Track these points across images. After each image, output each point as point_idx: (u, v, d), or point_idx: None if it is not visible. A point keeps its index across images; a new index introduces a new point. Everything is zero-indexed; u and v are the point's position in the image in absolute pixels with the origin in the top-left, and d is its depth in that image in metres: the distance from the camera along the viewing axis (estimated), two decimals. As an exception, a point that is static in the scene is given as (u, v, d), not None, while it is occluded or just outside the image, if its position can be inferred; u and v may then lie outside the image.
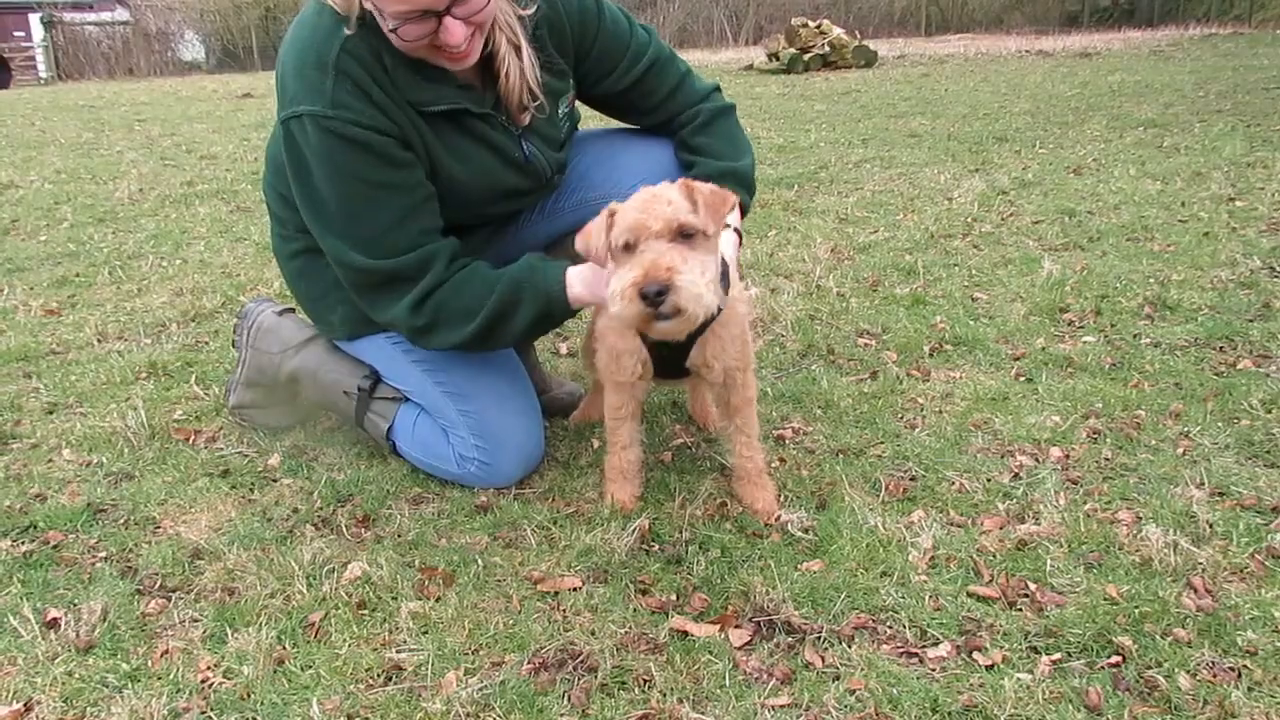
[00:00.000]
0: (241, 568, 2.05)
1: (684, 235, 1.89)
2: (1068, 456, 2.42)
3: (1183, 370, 2.89)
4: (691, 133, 2.46)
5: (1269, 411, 2.59)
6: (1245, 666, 1.65)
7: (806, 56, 15.67)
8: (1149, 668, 1.66)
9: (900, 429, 2.61)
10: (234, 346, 2.74)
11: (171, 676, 1.73)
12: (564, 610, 1.89)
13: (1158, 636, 1.72)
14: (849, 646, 1.74)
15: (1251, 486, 2.23)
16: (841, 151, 7.26)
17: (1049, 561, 1.96)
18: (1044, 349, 3.12)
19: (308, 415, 2.74)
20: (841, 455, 2.47)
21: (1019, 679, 1.64)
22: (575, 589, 1.95)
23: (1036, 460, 2.41)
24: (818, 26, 16.51)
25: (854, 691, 1.63)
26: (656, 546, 2.10)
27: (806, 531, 2.12)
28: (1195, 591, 1.85)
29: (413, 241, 2.16)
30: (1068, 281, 3.75)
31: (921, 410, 2.72)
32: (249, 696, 1.67)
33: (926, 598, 1.87)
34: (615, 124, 2.66)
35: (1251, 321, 3.25)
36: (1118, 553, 1.99)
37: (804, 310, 3.59)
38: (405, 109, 2.12)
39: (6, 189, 6.98)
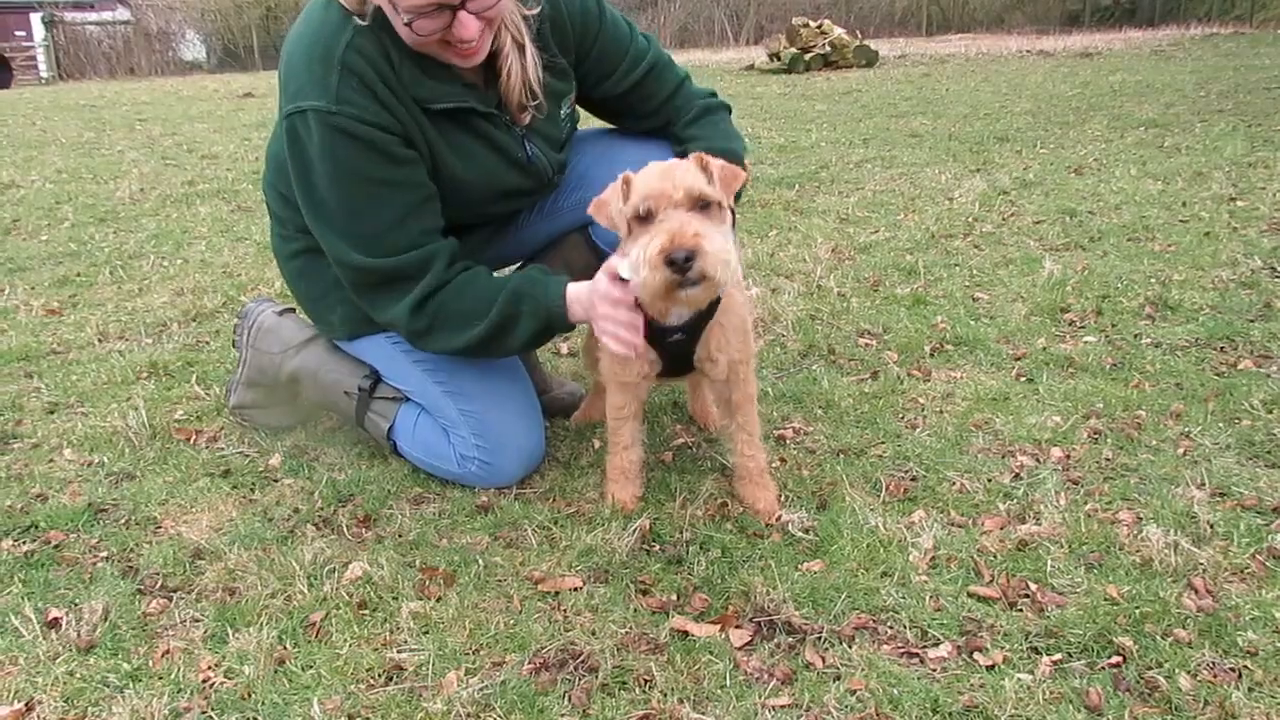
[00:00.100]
0: (242, 568, 2.05)
1: (701, 206, 1.89)
2: (1068, 457, 2.42)
3: (1184, 370, 2.89)
4: (684, 126, 2.47)
5: (1270, 412, 2.59)
6: (1246, 667, 1.65)
7: (807, 56, 15.67)
8: (1149, 668, 1.66)
9: (901, 429, 2.61)
10: (234, 346, 2.75)
11: (172, 676, 1.73)
12: (565, 610, 1.89)
13: (1158, 637, 1.72)
14: (850, 647, 1.74)
15: (1252, 487, 2.23)
16: (842, 151, 7.26)
17: (1050, 562, 1.97)
18: (1045, 349, 3.12)
19: (308, 415, 2.74)
20: (842, 455, 2.47)
21: (1020, 679, 1.64)
22: (576, 589, 1.95)
23: (1037, 460, 2.41)
24: (819, 26, 16.50)
25: (854, 692, 1.63)
26: (657, 546, 2.10)
27: (807, 532, 2.12)
28: (1196, 592, 1.85)
29: (413, 241, 2.16)
30: (1069, 281, 3.75)
31: (922, 410, 2.72)
32: (250, 696, 1.67)
33: (927, 598, 1.87)
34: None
35: (1252, 322, 3.25)
36: (1118, 553, 1.99)
37: (805, 310, 3.59)
38: (410, 106, 2.12)
39: (8, 189, 6.98)
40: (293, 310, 2.72)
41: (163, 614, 1.91)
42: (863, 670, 1.68)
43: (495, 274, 2.27)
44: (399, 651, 1.78)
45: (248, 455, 2.61)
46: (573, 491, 2.37)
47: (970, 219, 4.91)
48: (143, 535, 2.21)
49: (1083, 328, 3.31)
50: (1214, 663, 1.66)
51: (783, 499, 2.26)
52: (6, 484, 2.48)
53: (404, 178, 2.14)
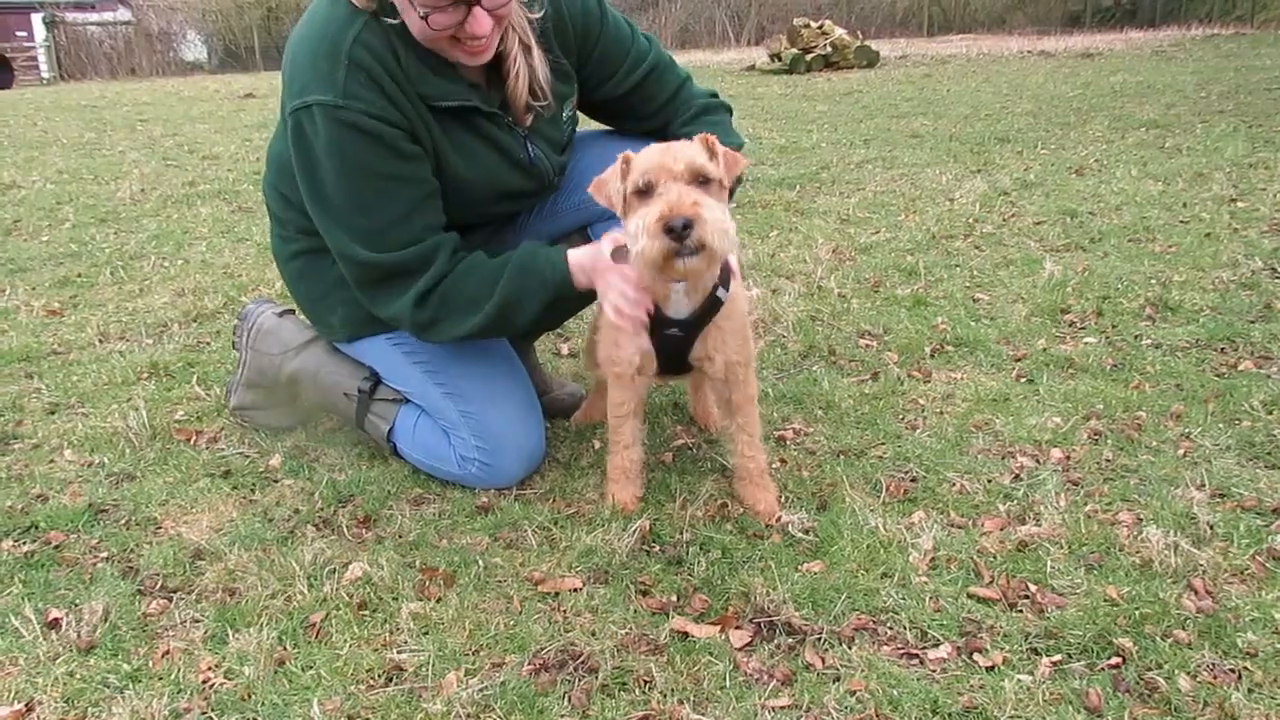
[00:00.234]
0: (242, 568, 2.05)
1: (701, 181, 1.90)
2: (1068, 458, 2.42)
3: (1184, 371, 2.89)
4: (681, 124, 2.47)
5: (1270, 413, 2.59)
6: (1245, 668, 1.65)
7: (808, 57, 15.66)
8: (1149, 669, 1.66)
9: (901, 430, 2.61)
10: (235, 348, 2.75)
11: (172, 677, 1.73)
12: (565, 611, 1.89)
13: (1158, 638, 1.72)
14: (849, 648, 1.74)
15: (1252, 488, 2.23)
16: (843, 152, 7.26)
17: (1049, 563, 1.97)
18: (1045, 350, 3.12)
19: (308, 416, 2.74)
20: (842, 456, 2.47)
21: (1019, 680, 1.64)
22: (576, 590, 1.95)
23: (1037, 461, 2.41)
24: (820, 27, 16.50)
25: (854, 693, 1.63)
26: (657, 547, 2.10)
27: (807, 533, 2.12)
28: (1196, 593, 1.85)
29: (417, 235, 2.16)
30: (1069, 282, 3.75)
31: (922, 411, 2.72)
32: (250, 697, 1.67)
33: (927, 599, 1.87)
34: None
35: (1253, 323, 3.25)
36: (1118, 554, 1.99)
37: (805, 311, 3.60)
38: (416, 103, 2.13)
39: (9, 189, 6.99)
40: (293, 312, 2.72)
41: (163, 614, 1.91)
42: (862, 671, 1.68)
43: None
44: (399, 652, 1.78)
45: (248, 456, 2.61)
46: (573, 492, 2.37)
47: (971, 220, 4.91)
48: (143, 536, 2.21)
49: (1083, 329, 3.31)
50: (1214, 664, 1.66)
51: (783, 500, 2.26)
52: (7, 484, 2.48)
53: (410, 173, 2.15)
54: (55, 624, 1.88)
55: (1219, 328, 3.20)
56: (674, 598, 1.92)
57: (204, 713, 1.64)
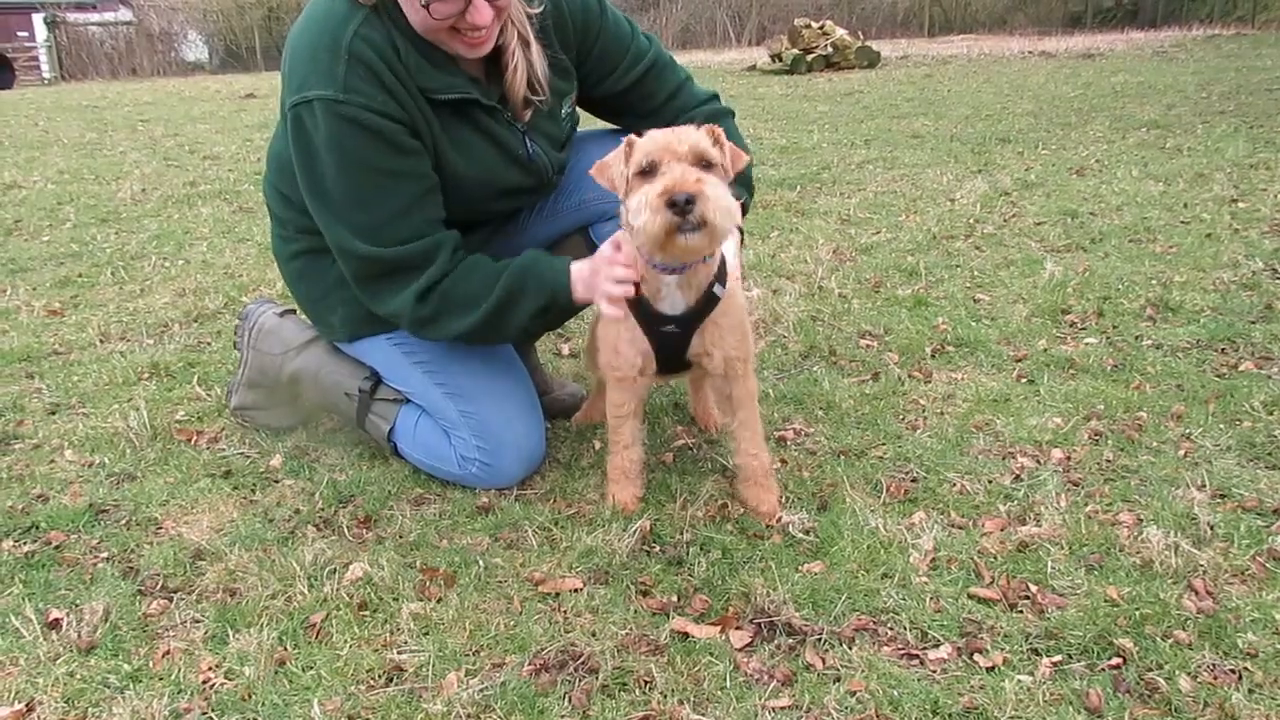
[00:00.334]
0: (243, 568, 2.05)
1: (704, 165, 1.90)
2: (1069, 458, 2.42)
3: (1184, 372, 2.89)
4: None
5: (1271, 413, 2.59)
6: (1246, 669, 1.65)
7: (809, 57, 15.66)
8: (1150, 670, 1.66)
9: (902, 430, 2.61)
10: (235, 348, 2.75)
11: (173, 677, 1.73)
12: (565, 611, 1.89)
13: (1158, 638, 1.72)
14: (850, 648, 1.74)
15: (1253, 488, 2.23)
16: (844, 152, 7.26)
17: (1050, 563, 1.96)
18: (1046, 350, 3.12)
19: (309, 416, 2.74)
20: (843, 457, 2.47)
21: (1019, 681, 1.64)
22: (576, 590, 1.95)
23: (1038, 462, 2.41)
24: (820, 27, 16.49)
25: (854, 693, 1.63)
26: (658, 548, 2.10)
27: (808, 533, 2.12)
28: (1196, 593, 1.85)
29: (417, 231, 2.16)
30: (1070, 283, 3.75)
31: (923, 412, 2.72)
32: (250, 697, 1.67)
33: (927, 599, 1.87)
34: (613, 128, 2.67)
35: (1254, 323, 3.25)
36: (1119, 555, 1.99)
37: (806, 311, 3.59)
38: (416, 96, 2.13)
39: (10, 189, 6.99)
40: (293, 312, 2.72)
41: (163, 615, 1.91)
42: (863, 672, 1.68)
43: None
44: (399, 652, 1.78)
45: (249, 456, 2.61)
46: (573, 492, 2.37)
47: (971, 220, 4.91)
48: (143, 536, 2.22)
49: (1084, 329, 3.31)
50: (1214, 664, 1.66)
51: (783, 500, 2.26)
52: (8, 485, 2.48)
53: (410, 168, 2.15)
54: (56, 624, 1.88)
55: (1220, 328, 3.20)
56: (674, 598, 1.92)
57: (204, 713, 1.64)
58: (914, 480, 2.34)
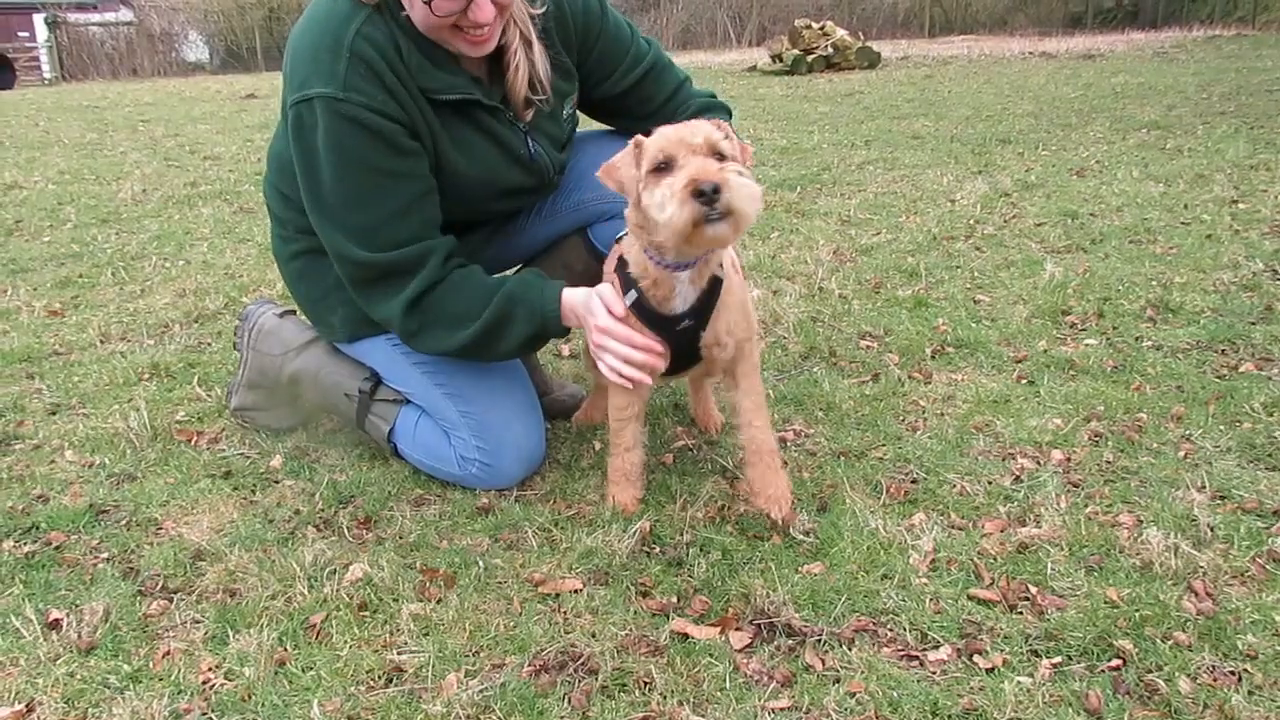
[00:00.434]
0: (243, 569, 2.05)
1: (719, 157, 1.89)
2: (1069, 459, 2.42)
3: (1185, 373, 2.89)
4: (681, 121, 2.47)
5: (1271, 415, 2.59)
6: (1246, 670, 1.65)
7: (810, 58, 15.66)
8: (1149, 671, 1.65)
9: (902, 431, 2.61)
10: (235, 348, 2.75)
11: (173, 678, 1.73)
12: (565, 612, 1.89)
13: (1158, 640, 1.72)
14: (849, 649, 1.74)
15: (1253, 490, 2.23)
16: (844, 153, 7.26)
17: (1050, 565, 1.96)
18: (1046, 351, 3.12)
19: (309, 417, 2.75)
20: (843, 458, 2.48)
21: (1019, 682, 1.64)
22: (576, 591, 1.95)
23: (1038, 463, 2.41)
24: (821, 28, 16.50)
25: (854, 694, 1.63)
26: (657, 549, 2.10)
27: (807, 534, 2.12)
28: (1196, 595, 1.85)
29: (412, 234, 2.16)
30: (1070, 284, 3.75)
31: (923, 413, 2.72)
32: (250, 698, 1.67)
33: (927, 600, 1.87)
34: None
35: (1254, 324, 3.25)
36: (1118, 556, 1.99)
37: (806, 312, 3.60)
38: (416, 96, 2.13)
39: (11, 189, 6.99)
40: (293, 312, 2.72)
41: (163, 615, 1.91)
42: (862, 673, 1.68)
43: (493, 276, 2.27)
44: (399, 653, 1.78)
45: (249, 457, 2.62)
46: (573, 493, 2.37)
47: (972, 221, 4.91)
48: (144, 536, 2.22)
49: (1084, 330, 3.31)
50: (1214, 666, 1.66)
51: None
52: (8, 485, 2.48)
53: (408, 169, 2.15)
54: (56, 624, 1.88)
55: (1220, 329, 3.20)
56: (674, 599, 1.92)
57: (204, 713, 1.65)
58: (914, 481, 2.35)
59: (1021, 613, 1.83)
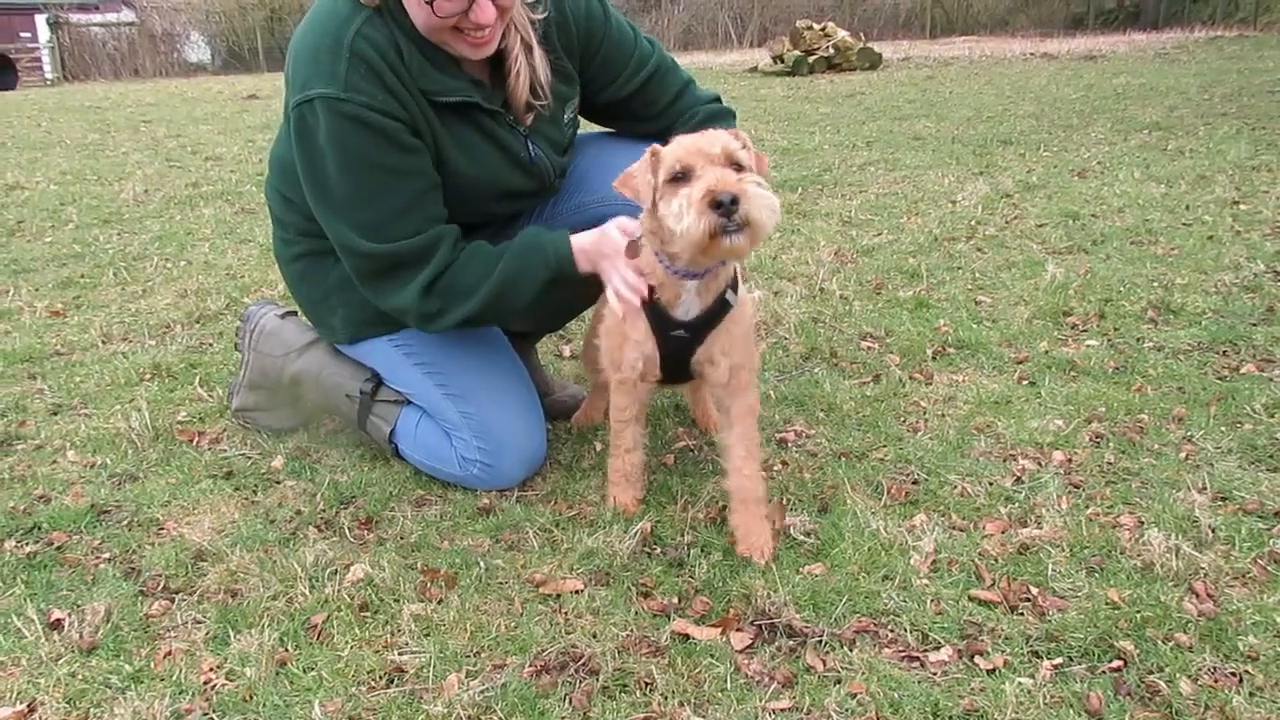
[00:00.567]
0: (244, 569, 2.05)
1: (736, 168, 1.88)
2: (1070, 460, 2.42)
3: (1186, 374, 2.89)
4: (690, 128, 2.46)
5: (1272, 416, 2.59)
6: (1247, 672, 1.65)
7: (811, 59, 15.66)
8: (1150, 673, 1.65)
9: (903, 432, 2.61)
10: (237, 349, 2.75)
11: (174, 678, 1.73)
12: (566, 613, 1.89)
13: (1159, 641, 1.72)
14: (850, 650, 1.74)
15: (1254, 491, 2.23)
16: (846, 154, 7.26)
17: (1051, 566, 1.96)
18: (1047, 352, 3.12)
19: (311, 418, 2.75)
20: (844, 458, 2.48)
21: (1020, 683, 1.64)
22: (577, 592, 1.96)
23: (1039, 464, 2.41)
24: (822, 29, 16.50)
25: (855, 695, 1.63)
26: (658, 549, 2.10)
27: (808, 535, 2.12)
28: (1197, 596, 1.84)
29: (418, 227, 2.17)
30: (1071, 285, 3.75)
31: (924, 414, 2.72)
32: (251, 698, 1.68)
33: (928, 601, 1.87)
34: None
35: (1255, 325, 3.25)
36: (1119, 557, 1.99)
37: (807, 313, 3.60)
38: (417, 97, 2.13)
39: (13, 190, 7.00)
40: (295, 313, 2.73)
41: (165, 615, 1.92)
42: (863, 674, 1.68)
43: None
44: (400, 654, 1.78)
45: (250, 457, 2.62)
46: (574, 494, 2.37)
47: (973, 222, 4.91)
48: (145, 537, 2.22)
49: (1085, 331, 3.31)
50: (1215, 667, 1.66)
51: (785, 502, 2.26)
52: (10, 485, 2.48)
53: (411, 166, 2.15)
54: (57, 625, 1.88)
55: (1221, 331, 3.20)
56: (675, 600, 1.92)
57: (205, 714, 1.65)
58: (915, 482, 2.35)
59: (1022, 614, 1.83)
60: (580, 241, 2.16)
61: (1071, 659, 1.70)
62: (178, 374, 3.21)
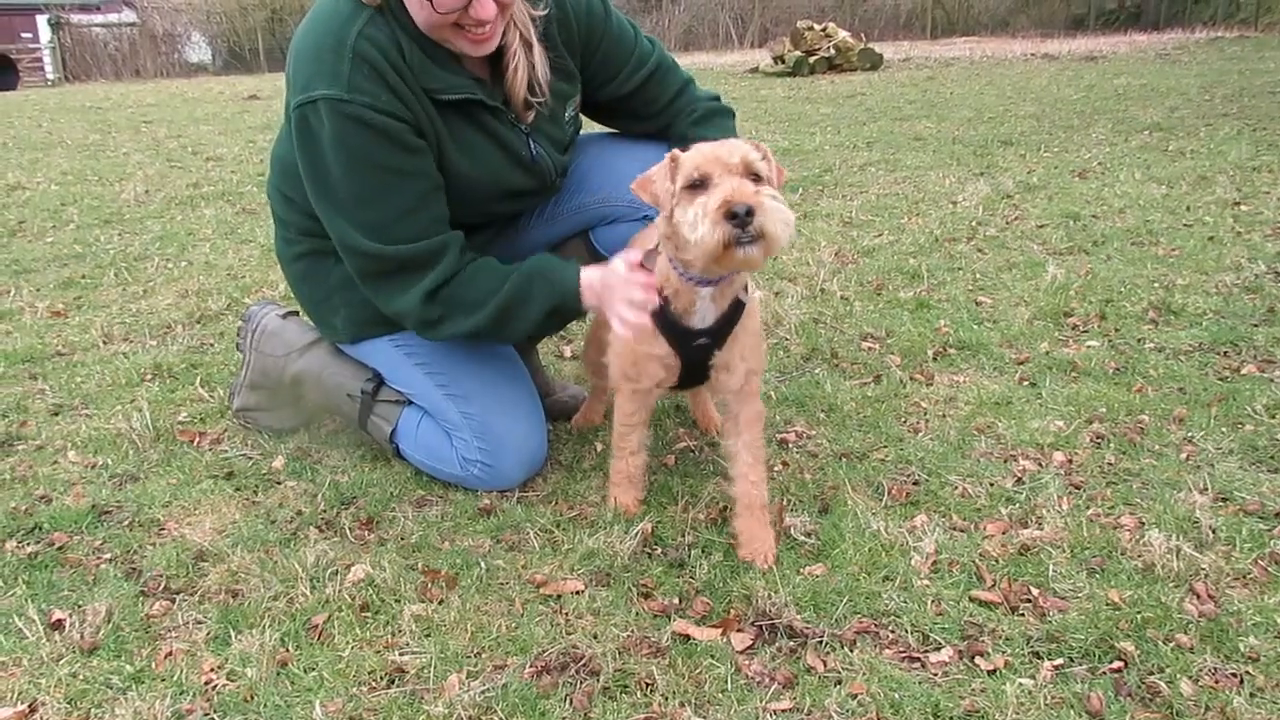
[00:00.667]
0: (245, 570, 2.05)
1: (754, 177, 1.88)
2: (1071, 461, 2.42)
3: (1187, 375, 2.89)
4: (689, 125, 2.47)
5: (1273, 417, 2.59)
6: (1247, 673, 1.65)
7: (812, 59, 15.66)
8: (1151, 673, 1.66)
9: (903, 433, 2.61)
10: (238, 349, 2.75)
11: (175, 678, 1.73)
12: (566, 613, 1.89)
13: (1160, 642, 1.72)
14: (851, 651, 1.74)
15: (1255, 492, 2.23)
16: (846, 155, 7.26)
17: (1051, 566, 1.96)
18: (1048, 353, 3.12)
19: (312, 418, 2.75)
20: (844, 459, 2.48)
21: (1021, 684, 1.64)
22: (578, 592, 1.96)
23: (1039, 465, 2.41)
24: (823, 29, 16.49)
25: (856, 696, 1.63)
26: (659, 550, 2.10)
27: (809, 535, 2.12)
28: (1198, 597, 1.85)
29: (423, 230, 2.17)
30: (1072, 286, 3.75)
31: (925, 414, 2.72)
32: (252, 698, 1.68)
33: (929, 602, 1.87)
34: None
35: (1256, 326, 3.25)
36: (1120, 558, 1.99)
37: (808, 314, 3.60)
38: (420, 96, 2.13)
39: (14, 190, 7.00)
40: (296, 313, 2.73)
41: (166, 616, 1.92)
42: (864, 674, 1.68)
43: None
44: (401, 654, 1.78)
45: (251, 457, 2.62)
46: (575, 495, 2.38)
47: (974, 223, 4.91)
48: (146, 537, 2.22)
49: (1086, 332, 3.31)
50: (1216, 668, 1.66)
51: (786, 503, 2.26)
52: (11, 485, 2.48)
53: (415, 166, 2.15)
54: (59, 625, 1.88)
55: (1222, 331, 3.20)
56: (676, 600, 1.92)
57: (206, 714, 1.65)
58: (915, 483, 2.35)
59: (1023, 614, 1.83)
60: (589, 276, 2.15)
61: (1072, 660, 1.70)
62: (179, 374, 3.22)
